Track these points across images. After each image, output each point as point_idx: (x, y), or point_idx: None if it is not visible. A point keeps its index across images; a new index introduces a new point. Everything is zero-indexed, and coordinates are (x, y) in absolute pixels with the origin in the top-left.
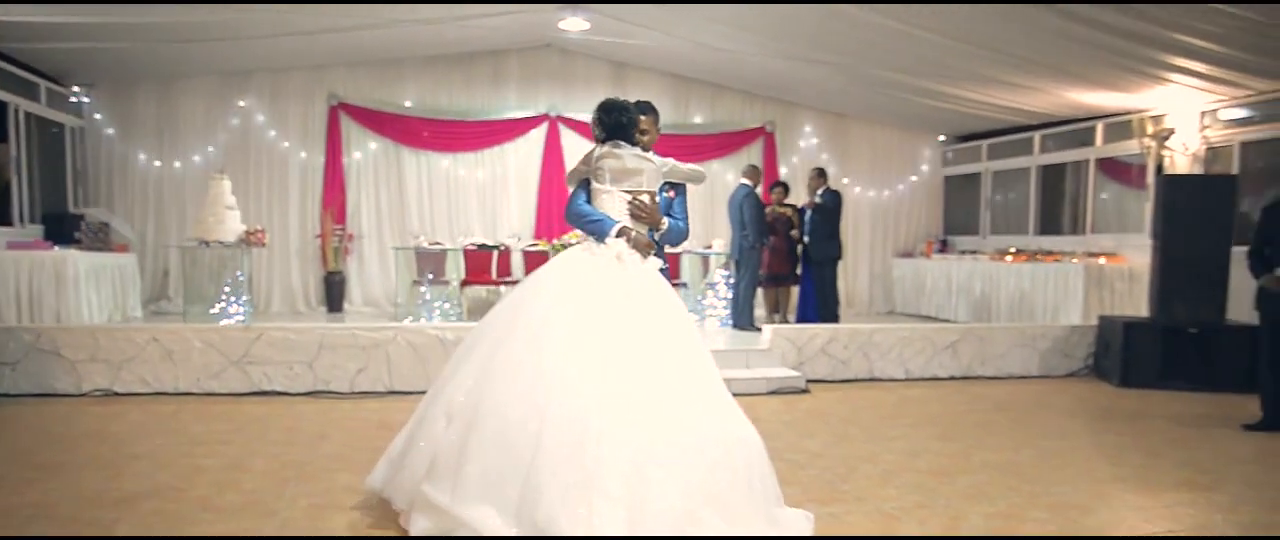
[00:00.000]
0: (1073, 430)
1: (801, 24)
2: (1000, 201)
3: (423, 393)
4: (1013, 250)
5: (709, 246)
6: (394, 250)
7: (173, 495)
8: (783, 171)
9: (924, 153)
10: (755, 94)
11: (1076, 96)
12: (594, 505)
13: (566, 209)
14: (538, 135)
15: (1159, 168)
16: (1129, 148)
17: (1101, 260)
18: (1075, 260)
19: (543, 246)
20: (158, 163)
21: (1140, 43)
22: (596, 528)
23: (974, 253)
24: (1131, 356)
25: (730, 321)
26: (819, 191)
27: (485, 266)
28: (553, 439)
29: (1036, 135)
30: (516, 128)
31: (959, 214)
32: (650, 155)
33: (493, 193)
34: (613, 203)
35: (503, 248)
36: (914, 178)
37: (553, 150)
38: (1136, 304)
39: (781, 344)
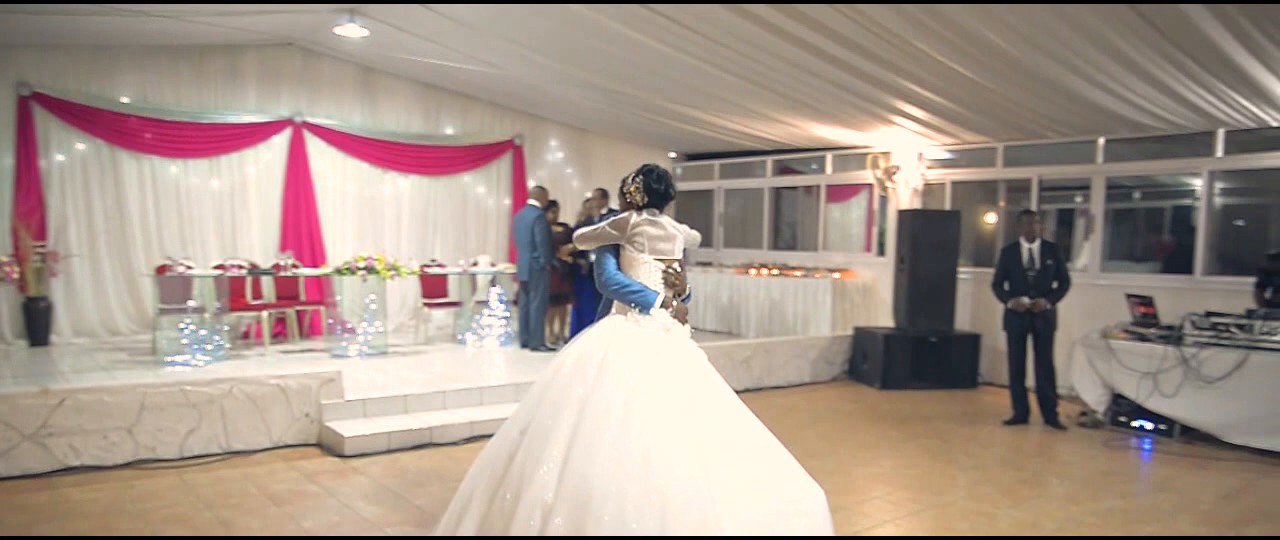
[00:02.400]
0: (885, 435)
1: (566, 38)
2: (735, 217)
3: (267, 451)
4: (758, 264)
5: (475, 264)
6: (112, 271)
7: None
8: (530, 184)
9: None
10: (505, 107)
11: (813, 129)
12: None
13: (601, 277)
14: (280, 142)
15: (883, 198)
16: (856, 177)
17: (836, 275)
18: (818, 276)
19: (323, 273)
20: None
21: (874, 85)
22: None
23: (708, 264)
24: (889, 362)
25: (509, 341)
26: (603, 210)
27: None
28: (678, 520)
29: (769, 160)
30: (256, 133)
31: (691, 227)
32: (681, 226)
33: (231, 205)
34: (649, 271)
35: (286, 266)
36: None
37: (298, 159)
38: (871, 314)
39: None
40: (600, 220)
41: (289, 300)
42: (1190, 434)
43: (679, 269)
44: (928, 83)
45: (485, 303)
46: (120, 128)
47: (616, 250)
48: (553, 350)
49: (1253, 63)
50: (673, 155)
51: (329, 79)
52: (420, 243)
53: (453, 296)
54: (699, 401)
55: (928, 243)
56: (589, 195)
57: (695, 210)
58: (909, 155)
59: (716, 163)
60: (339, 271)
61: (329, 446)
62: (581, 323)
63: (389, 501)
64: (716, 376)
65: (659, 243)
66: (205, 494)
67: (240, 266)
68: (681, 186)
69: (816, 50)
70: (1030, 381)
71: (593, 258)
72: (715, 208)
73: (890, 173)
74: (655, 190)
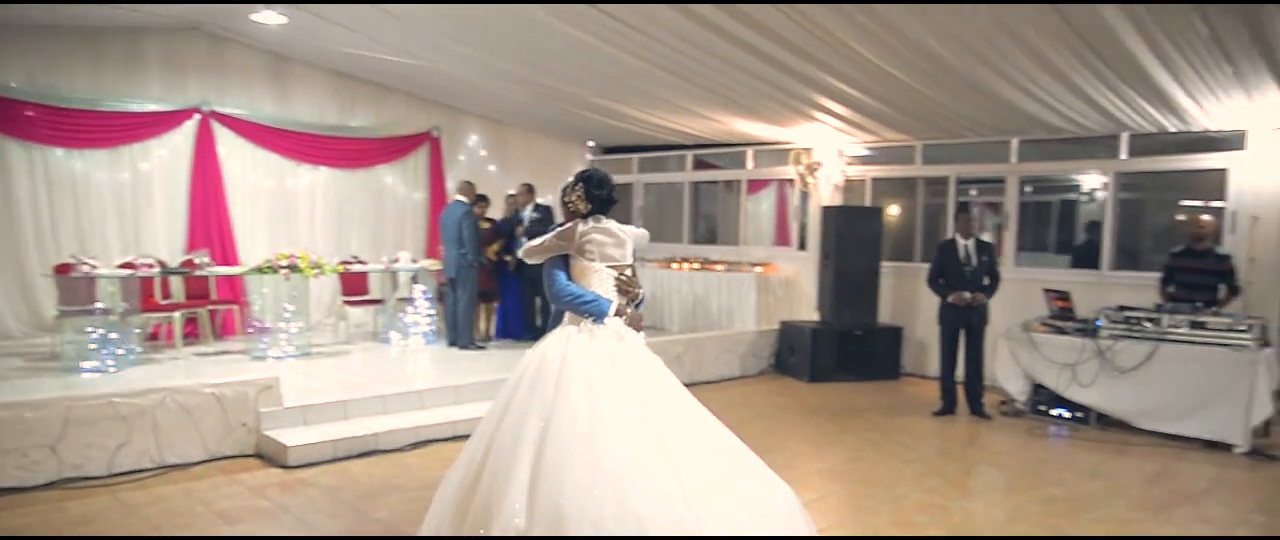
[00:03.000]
0: (823, 429)
1: (494, 29)
2: (651, 210)
3: (203, 463)
4: (680, 258)
5: (395, 260)
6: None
7: None
8: (449, 178)
9: (575, 161)
10: (422, 98)
11: (737, 124)
12: None
13: (552, 288)
14: (186, 132)
15: (804, 194)
16: (776, 172)
17: (758, 269)
18: (743, 270)
19: (242, 271)
20: None
21: (803, 82)
22: None
23: None
24: (816, 355)
25: (434, 339)
26: (529, 206)
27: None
28: (658, 526)
29: (689, 154)
30: (160, 122)
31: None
32: (628, 228)
33: (134, 199)
34: (601, 279)
35: (202, 264)
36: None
37: (205, 150)
38: (793, 308)
39: None
40: (524, 215)
41: (200, 300)
42: (1105, 421)
43: (631, 274)
44: (856, 81)
45: (409, 300)
46: (8, 114)
47: (565, 261)
48: (482, 348)
49: (1159, 69)
50: (591, 144)
51: (238, 67)
52: (335, 238)
53: (374, 294)
54: (661, 410)
55: (852, 238)
56: (514, 191)
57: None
58: (830, 152)
59: (635, 156)
60: (260, 270)
61: (270, 457)
62: (507, 320)
63: (347, 516)
64: (674, 381)
65: (609, 249)
66: (148, 514)
67: (150, 265)
68: None
69: (749, 46)
70: (959, 374)
71: (519, 253)
72: (634, 201)
73: (812, 169)
74: (597, 196)
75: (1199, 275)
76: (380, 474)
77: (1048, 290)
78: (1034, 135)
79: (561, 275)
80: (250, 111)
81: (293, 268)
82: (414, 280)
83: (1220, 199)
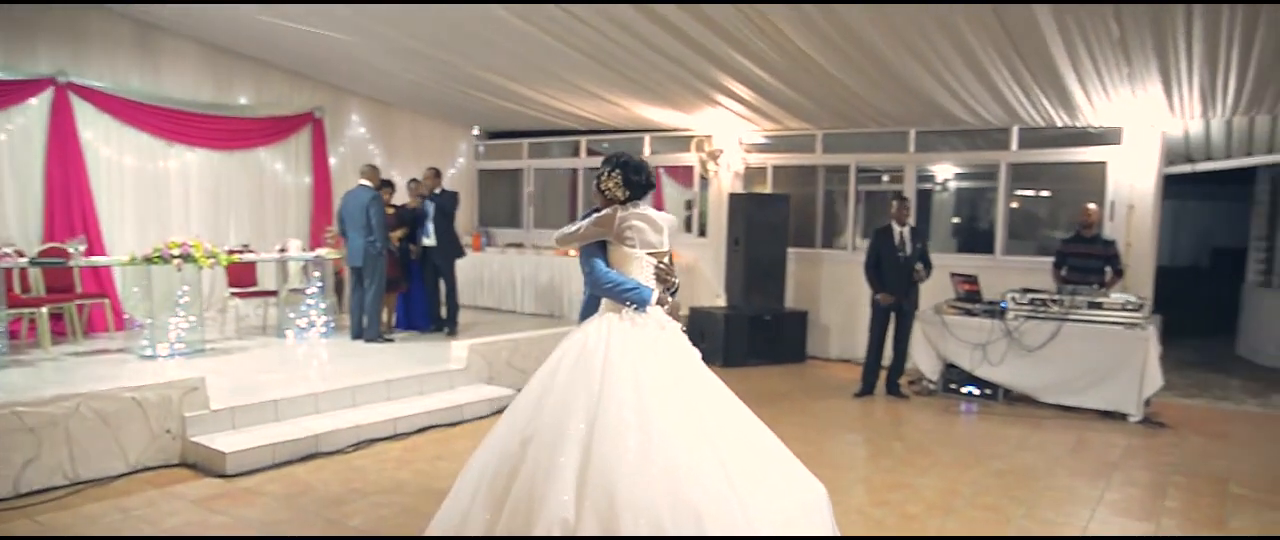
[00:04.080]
0: (759, 413)
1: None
2: (542, 198)
3: (124, 476)
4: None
5: (284, 249)
6: None
7: None
8: (332, 162)
9: (460, 146)
10: (304, 75)
11: (638, 108)
12: None
13: (593, 276)
14: (39, 106)
15: (703, 180)
16: (675, 160)
17: None
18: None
19: (128, 262)
20: None
21: (714, 64)
22: None
23: (520, 245)
24: (730, 341)
25: (332, 332)
26: (435, 190)
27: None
28: (715, 527)
29: (583, 140)
30: (7, 93)
31: (495, 206)
32: (664, 214)
33: None
34: (640, 266)
35: (76, 254)
36: (453, 171)
37: (63, 127)
38: (696, 294)
39: (475, 361)
40: (429, 199)
41: (63, 293)
42: (1011, 396)
43: (669, 262)
44: (773, 65)
45: (304, 292)
46: None
47: (602, 247)
48: (390, 341)
49: (1068, 67)
50: (476, 132)
51: (98, 35)
52: (213, 225)
53: (266, 285)
54: (703, 402)
55: (761, 225)
56: (421, 176)
57: (499, 189)
58: (731, 139)
59: (525, 141)
60: (149, 260)
61: (203, 465)
62: (410, 310)
63: (318, 526)
64: (710, 373)
65: (648, 235)
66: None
67: (7, 254)
68: (485, 165)
69: (664, 21)
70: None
71: (554, 239)
72: (524, 187)
73: (714, 156)
74: (635, 182)
75: (1088, 259)
76: (332, 479)
77: (954, 274)
78: (933, 127)
79: (601, 262)
80: (114, 84)
81: (185, 257)
82: (307, 270)
83: (1102, 190)
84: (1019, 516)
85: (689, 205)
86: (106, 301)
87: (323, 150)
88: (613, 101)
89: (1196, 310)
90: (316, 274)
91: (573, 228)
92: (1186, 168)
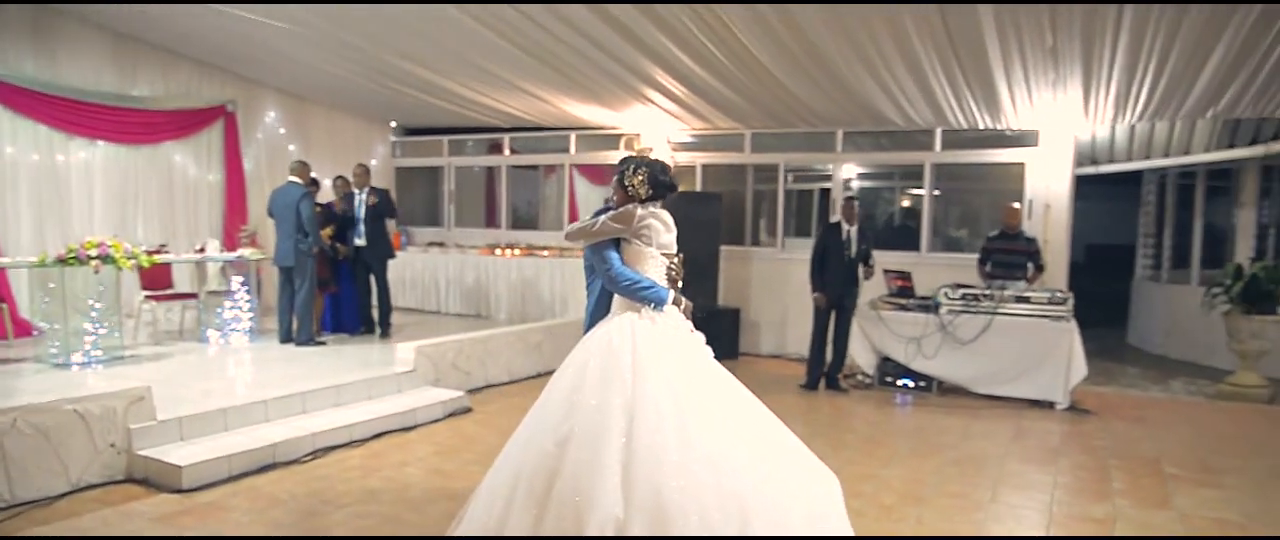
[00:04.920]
0: None
1: None
2: (467, 195)
3: (67, 496)
4: (503, 245)
5: (201, 249)
6: None
7: None
8: (246, 158)
9: (377, 143)
10: (214, 66)
11: (565, 104)
12: None
13: (610, 273)
14: None
15: None
16: (601, 157)
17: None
18: (579, 255)
19: (39, 263)
20: None
21: (649, 57)
22: None
23: (441, 244)
24: None
25: (257, 336)
26: (365, 189)
27: None
28: (759, 522)
29: (506, 137)
30: None
31: (413, 205)
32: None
33: None
34: (655, 266)
35: None
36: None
37: None
38: None
39: (422, 363)
40: (361, 198)
41: None
42: (944, 388)
43: (679, 262)
44: (710, 60)
45: (227, 293)
46: None
47: (616, 245)
48: (322, 343)
49: (1000, 72)
50: (393, 126)
51: None
52: (119, 224)
53: (184, 287)
54: (728, 398)
55: (694, 222)
56: (350, 174)
57: (417, 188)
58: (659, 138)
59: (445, 139)
60: (63, 261)
61: (155, 481)
62: (339, 312)
63: None
64: (724, 370)
65: (663, 235)
66: None
67: None
68: (403, 163)
69: (604, 12)
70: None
71: (564, 235)
72: (444, 185)
73: (643, 154)
74: (661, 182)
75: (1011, 255)
76: (298, 490)
77: (888, 271)
78: (862, 127)
79: (618, 259)
80: (7, 71)
81: (105, 258)
82: (225, 271)
83: (1018, 189)
84: (987, 502)
85: (608, 203)
86: (4, 306)
87: (236, 146)
88: (540, 97)
89: (1079, 304)
90: (240, 275)
91: (587, 223)
92: (1091, 170)
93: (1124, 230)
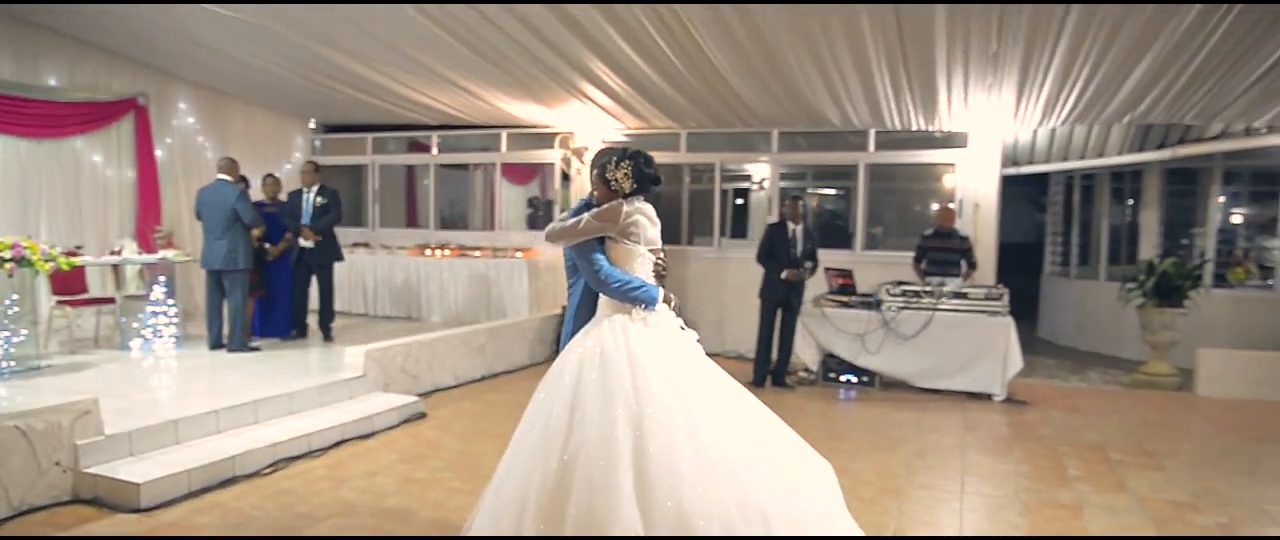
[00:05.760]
0: None
1: None
2: (392, 195)
3: (8, 519)
4: (434, 245)
5: (118, 251)
6: None
7: None
8: (159, 154)
9: (296, 139)
10: (124, 56)
11: (497, 100)
12: None
13: (598, 275)
14: None
15: (566, 177)
16: (532, 156)
17: (518, 254)
18: (511, 256)
19: None
20: None
21: (584, 42)
22: None
23: (366, 245)
24: None
25: (182, 342)
26: (314, 186)
27: None
28: (780, 524)
29: (435, 135)
30: None
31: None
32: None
33: None
34: (643, 264)
35: None
36: (287, 167)
37: None
38: (559, 294)
39: (371, 368)
40: (309, 198)
41: None
42: (885, 382)
43: (664, 259)
44: (657, 56)
45: (147, 298)
46: None
47: (601, 243)
48: (256, 349)
49: (943, 76)
50: (313, 125)
51: None
52: (20, 224)
53: (97, 292)
54: (728, 397)
55: None
56: (300, 171)
57: (339, 187)
58: (592, 137)
59: (369, 136)
60: None
61: (107, 500)
62: (267, 316)
63: None
64: (717, 367)
65: (650, 231)
66: None
67: None
68: (322, 161)
69: (557, 7)
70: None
71: (545, 235)
72: (368, 184)
73: (578, 153)
74: (646, 175)
75: (946, 253)
76: (267, 504)
77: (829, 269)
78: (798, 128)
79: (605, 260)
80: None
81: (20, 260)
82: (143, 274)
83: (954, 188)
84: (960, 492)
85: (532, 203)
86: None
87: (148, 141)
88: (474, 92)
89: None
90: (162, 278)
91: (569, 222)
92: (1012, 170)
93: (1026, 228)
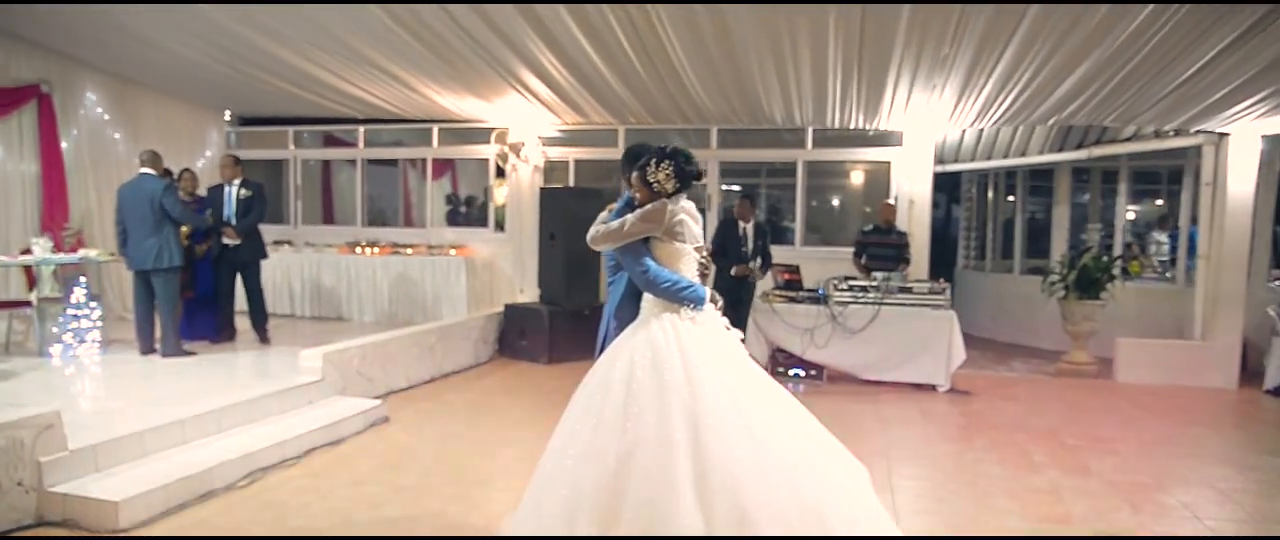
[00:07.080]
0: None
1: None
2: (313, 190)
3: None
4: (364, 243)
5: (28, 251)
6: None
7: None
8: (65, 146)
9: (211, 132)
10: (24, 39)
11: (429, 91)
12: None
13: (646, 276)
14: None
15: (500, 171)
16: (465, 152)
17: (452, 252)
18: (446, 253)
19: None
20: None
21: (534, 28)
22: None
23: (288, 242)
24: (554, 337)
25: (107, 348)
26: (237, 181)
27: None
28: (837, 522)
29: (362, 129)
30: None
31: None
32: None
33: None
34: (689, 263)
35: None
36: (201, 161)
37: None
38: (497, 291)
39: (329, 371)
40: (231, 193)
41: None
42: (831, 375)
43: (706, 256)
44: (609, 48)
45: (65, 301)
46: None
47: (647, 243)
48: (191, 354)
49: (888, 75)
50: (228, 117)
51: None
52: None
53: (5, 294)
54: (774, 397)
55: (578, 219)
56: (220, 165)
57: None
58: (529, 133)
59: (290, 129)
60: None
61: (78, 521)
62: (194, 319)
63: None
64: (759, 367)
65: (694, 229)
66: None
67: None
68: (240, 154)
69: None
70: None
71: (589, 238)
72: (289, 180)
73: (516, 149)
74: (687, 172)
75: (885, 249)
76: (254, 519)
77: (776, 264)
78: (737, 125)
79: (652, 260)
80: None
81: None
82: (57, 275)
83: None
84: (944, 480)
85: (450, 200)
86: None
87: (53, 133)
88: (408, 84)
89: None
90: (81, 280)
91: (613, 225)
92: (939, 168)
93: (934, 223)
